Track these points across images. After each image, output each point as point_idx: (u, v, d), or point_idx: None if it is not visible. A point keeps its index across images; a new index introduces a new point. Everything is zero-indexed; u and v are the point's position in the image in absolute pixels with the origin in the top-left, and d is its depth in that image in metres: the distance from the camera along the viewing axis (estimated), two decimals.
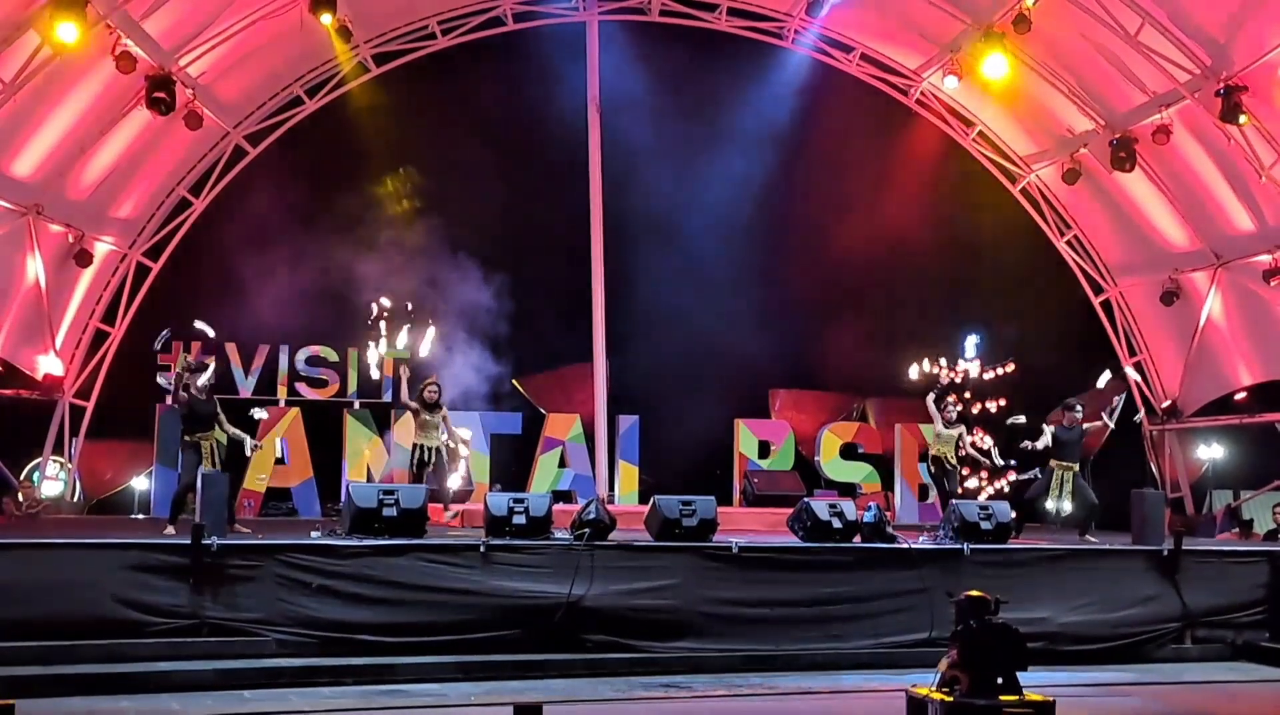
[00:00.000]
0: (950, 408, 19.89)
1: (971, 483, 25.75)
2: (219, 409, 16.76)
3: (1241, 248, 22.17)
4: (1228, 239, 22.43)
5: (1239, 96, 19.20)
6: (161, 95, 19.95)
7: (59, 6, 16.88)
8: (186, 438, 16.46)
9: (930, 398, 20.15)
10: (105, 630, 12.65)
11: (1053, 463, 18.94)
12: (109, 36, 18.66)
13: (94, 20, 17.77)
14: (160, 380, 23.28)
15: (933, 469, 20.22)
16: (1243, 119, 19.35)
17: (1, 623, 12.25)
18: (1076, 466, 18.90)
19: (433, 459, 18.00)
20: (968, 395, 26.55)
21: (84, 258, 21.63)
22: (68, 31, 17.02)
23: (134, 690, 11.87)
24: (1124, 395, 25.45)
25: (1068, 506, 18.72)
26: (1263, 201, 21.03)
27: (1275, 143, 19.77)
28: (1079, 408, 19.13)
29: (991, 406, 26.19)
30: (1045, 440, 18.83)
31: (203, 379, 16.73)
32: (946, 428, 19.71)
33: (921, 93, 25.16)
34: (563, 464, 24.45)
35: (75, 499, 22.97)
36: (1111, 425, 20.11)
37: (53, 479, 22.57)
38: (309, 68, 23.34)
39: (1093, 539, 18.27)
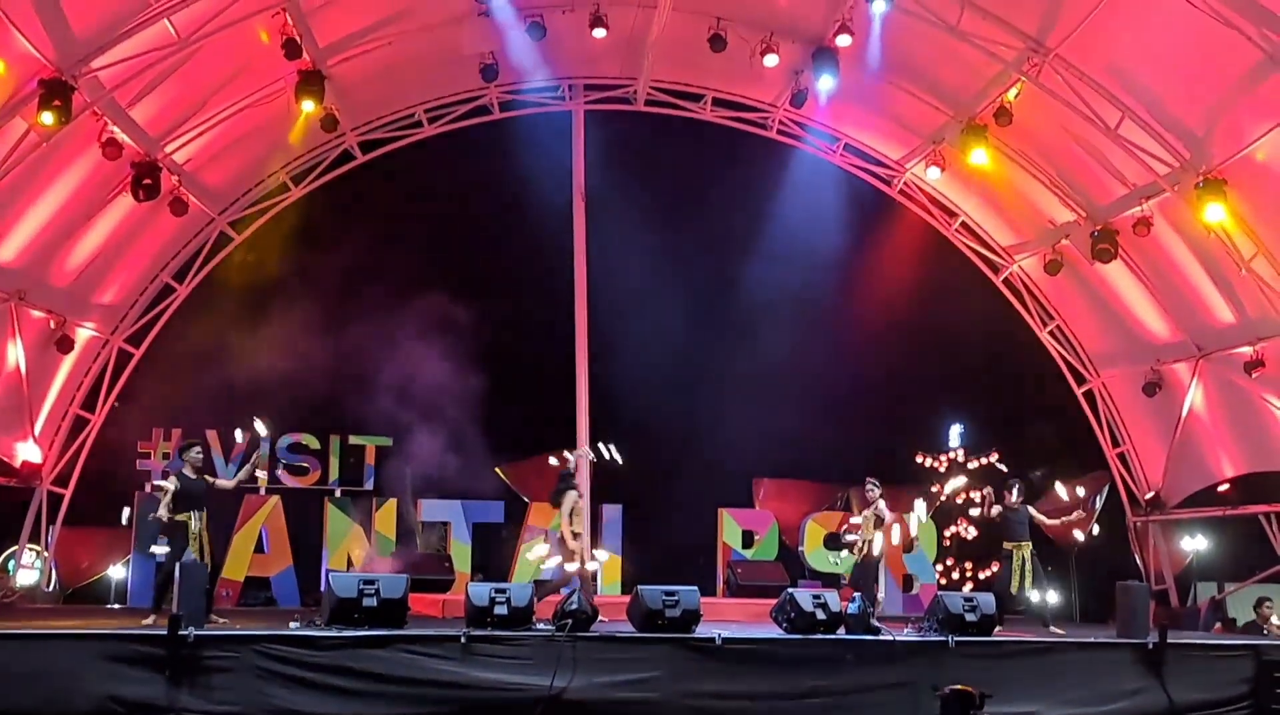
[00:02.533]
0: (872, 488, 19.26)
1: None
2: (212, 485, 16.66)
3: (1223, 339, 22.20)
4: (1209, 331, 22.47)
5: (1218, 189, 19.32)
6: (147, 182, 20.00)
7: (47, 93, 16.95)
8: (175, 517, 16.24)
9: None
10: None
11: (1006, 545, 18.93)
12: (95, 123, 18.74)
13: (81, 107, 17.83)
14: (141, 466, 23.22)
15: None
16: (1222, 212, 19.45)
17: None
18: (1029, 545, 18.85)
19: None
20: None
21: (65, 344, 21.56)
22: (48, 116, 17.07)
23: None
24: (1106, 487, 25.49)
25: (1037, 592, 18.65)
26: (1243, 294, 21.08)
27: (1254, 235, 19.86)
28: (1015, 486, 19.19)
29: (975, 496, 26.15)
30: (996, 510, 18.99)
31: (194, 453, 16.70)
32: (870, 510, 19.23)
33: (905, 183, 25.37)
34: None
35: (51, 588, 22.75)
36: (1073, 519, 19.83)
37: (28, 567, 22.34)
38: (294, 155, 23.44)
39: (1058, 630, 18.21)
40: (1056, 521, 19.46)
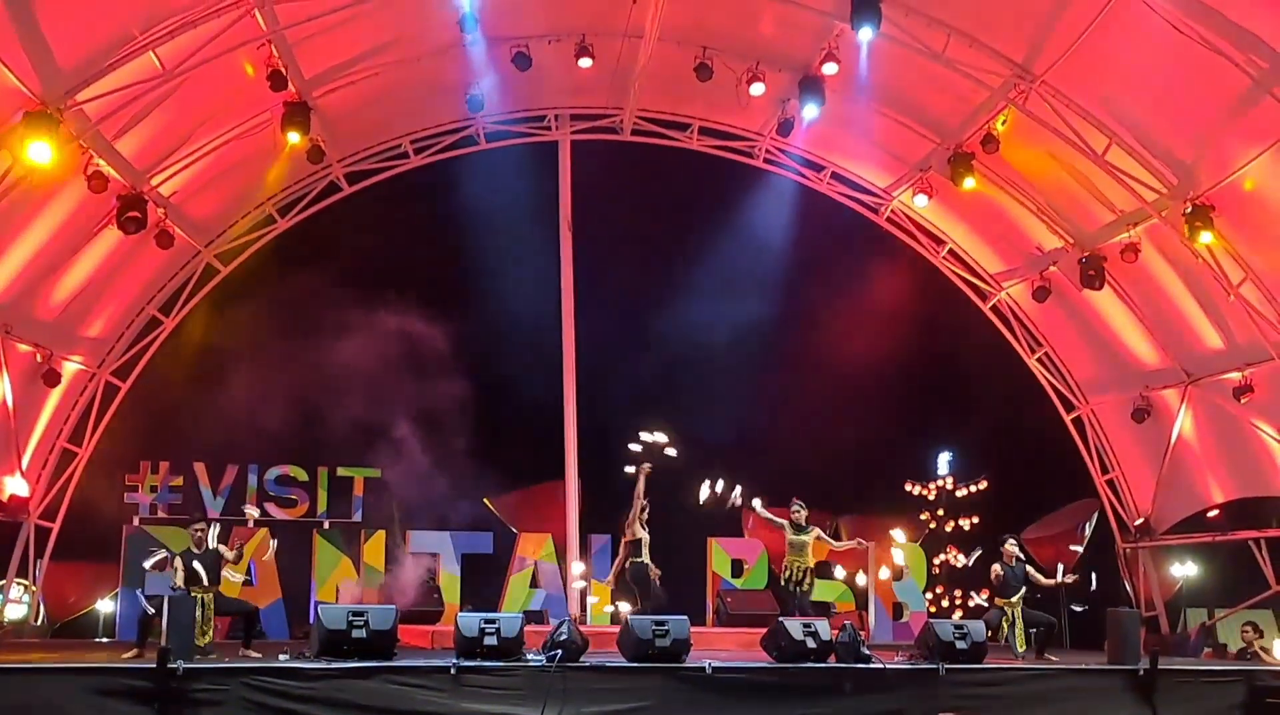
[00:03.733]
0: (798, 509, 18.64)
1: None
2: (220, 560, 16.48)
3: (1211, 365, 22.23)
4: (1197, 357, 22.51)
5: (1206, 215, 19.34)
6: (133, 214, 19.92)
7: (31, 126, 16.90)
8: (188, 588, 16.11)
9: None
10: None
11: (998, 600, 18.90)
12: (81, 156, 18.68)
13: (66, 140, 17.77)
14: (129, 499, 23.16)
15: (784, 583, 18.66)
16: (1210, 238, 19.47)
17: None
18: (1017, 602, 18.78)
19: None
20: (941, 512, 26.55)
21: (52, 377, 21.47)
22: (40, 151, 17.00)
23: None
24: (1095, 514, 25.48)
25: (1019, 646, 18.53)
26: (1231, 320, 21.13)
27: (1242, 261, 19.90)
28: (1011, 542, 19.11)
29: (965, 523, 26.15)
30: (996, 575, 18.90)
31: (194, 530, 16.53)
32: (796, 534, 18.58)
33: (892, 211, 25.39)
34: (534, 584, 24.24)
35: (39, 622, 22.62)
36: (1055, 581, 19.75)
37: (16, 602, 22.23)
38: (280, 187, 23.43)
39: (1053, 658, 18.17)
40: (1052, 582, 19.34)
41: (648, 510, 19.04)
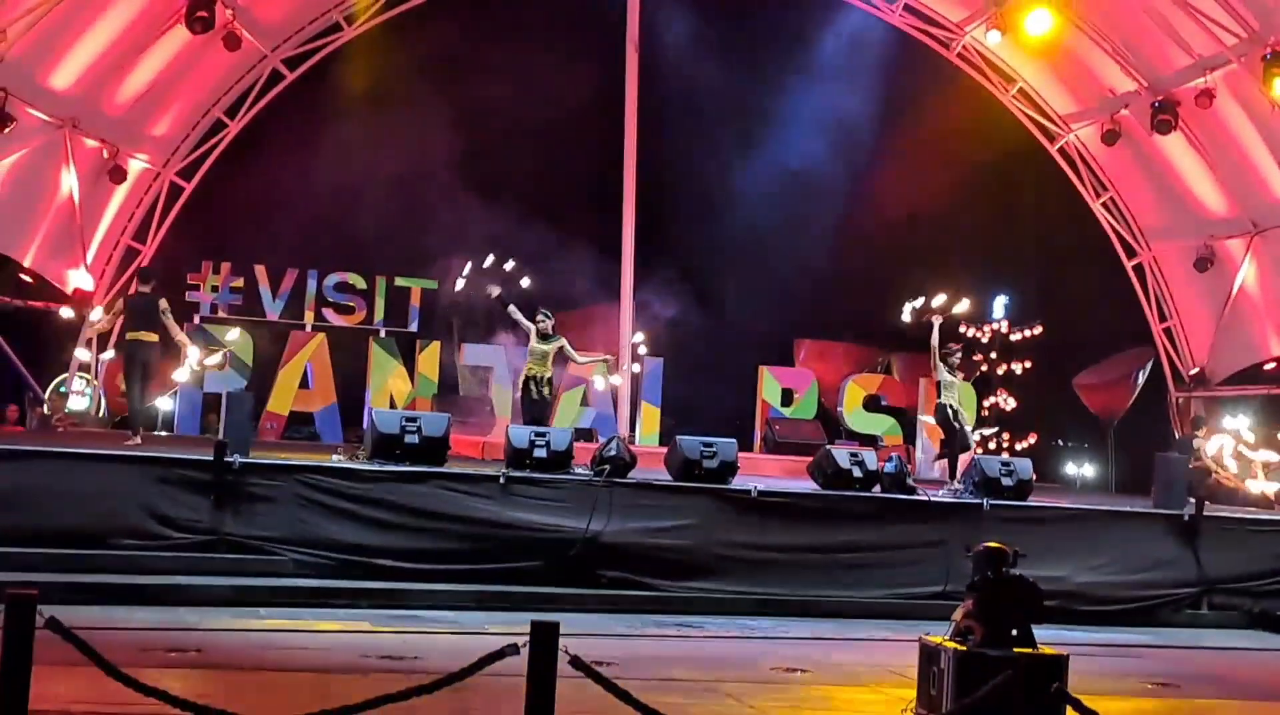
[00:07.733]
0: (543, 318, 17.70)
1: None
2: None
3: None
4: (1266, 206, 22.20)
5: None
6: (202, 14, 19.85)
7: None
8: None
9: None
10: (127, 540, 12.73)
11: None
12: None
13: None
14: (190, 298, 23.43)
15: None
16: None
17: (26, 529, 12.34)
18: None
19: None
20: (994, 355, 26.50)
21: (118, 174, 21.67)
22: None
23: (151, 602, 11.93)
24: (1150, 362, 25.39)
25: None
26: None
27: None
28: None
29: (1018, 368, 26.09)
30: None
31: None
32: (540, 342, 17.64)
33: (963, 46, 24.91)
34: (585, 402, 24.44)
35: (100, 415, 23.07)
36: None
37: (79, 394, 22.67)
38: None
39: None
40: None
41: (957, 355, 18.46)
